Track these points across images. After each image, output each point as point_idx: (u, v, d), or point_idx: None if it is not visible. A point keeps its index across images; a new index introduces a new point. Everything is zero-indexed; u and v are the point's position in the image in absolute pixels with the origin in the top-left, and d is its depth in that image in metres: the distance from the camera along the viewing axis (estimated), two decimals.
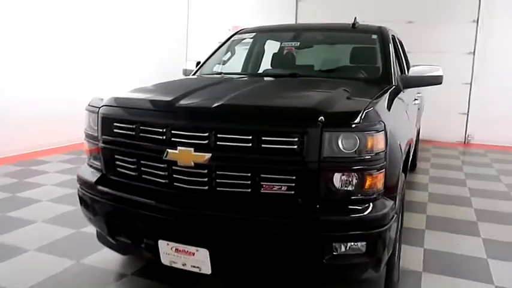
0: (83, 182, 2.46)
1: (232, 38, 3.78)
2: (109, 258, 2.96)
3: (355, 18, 3.55)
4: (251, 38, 3.80)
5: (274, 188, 1.96)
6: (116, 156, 2.31)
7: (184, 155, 2.02)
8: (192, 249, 2.05)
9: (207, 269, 2.06)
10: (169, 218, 2.08)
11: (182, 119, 2.08)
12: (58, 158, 5.91)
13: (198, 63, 3.78)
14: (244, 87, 2.61)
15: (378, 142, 1.93)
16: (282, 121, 1.95)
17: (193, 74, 3.51)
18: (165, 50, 8.78)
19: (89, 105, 2.51)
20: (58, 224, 3.54)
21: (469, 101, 8.27)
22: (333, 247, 1.92)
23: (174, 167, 2.08)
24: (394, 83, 2.92)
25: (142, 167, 2.21)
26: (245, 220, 1.96)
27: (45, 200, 4.13)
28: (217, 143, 1.98)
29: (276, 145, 1.92)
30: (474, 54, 8.09)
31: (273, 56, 3.65)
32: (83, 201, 2.50)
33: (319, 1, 8.82)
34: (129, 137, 2.23)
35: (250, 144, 1.94)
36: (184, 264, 2.10)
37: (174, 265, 2.13)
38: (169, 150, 2.05)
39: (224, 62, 3.66)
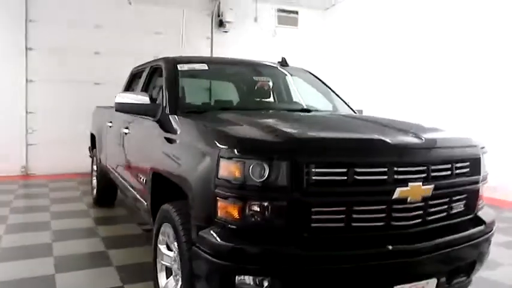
0: (265, 259, 1.86)
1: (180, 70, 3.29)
2: None
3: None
4: (202, 69, 3.44)
5: (460, 205, 2.30)
6: (314, 210, 1.90)
7: (415, 191, 2.02)
8: (422, 283, 2.05)
9: None
10: (403, 260, 1.99)
11: (409, 156, 2.05)
12: None
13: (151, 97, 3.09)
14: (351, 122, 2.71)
15: None
16: (463, 150, 2.32)
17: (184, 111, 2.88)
18: None
19: (265, 151, 1.92)
20: None
21: None
22: None
23: (395, 206, 2.01)
24: None
25: (354, 214, 1.96)
26: (462, 237, 2.20)
27: None
28: (432, 174, 2.11)
29: (463, 169, 2.28)
30: None
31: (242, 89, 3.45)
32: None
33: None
34: (339, 183, 1.92)
35: (450, 172, 2.20)
36: None
37: None
38: (400, 189, 1.99)
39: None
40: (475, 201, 2.38)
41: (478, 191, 2.38)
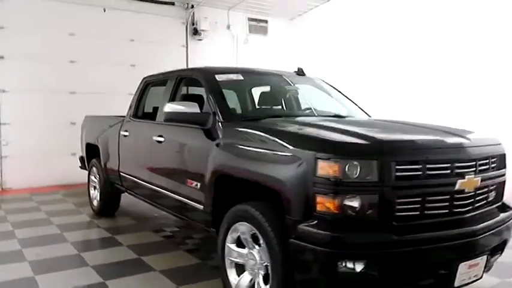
0: (365, 245, 2.16)
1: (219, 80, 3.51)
2: None
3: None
4: (238, 79, 3.67)
5: (493, 193, 2.73)
6: (398, 201, 2.22)
7: (470, 182, 2.41)
8: (477, 260, 2.44)
9: (480, 272, 2.50)
10: (467, 240, 2.37)
11: (464, 154, 2.43)
12: None
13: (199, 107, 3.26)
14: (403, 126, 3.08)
15: None
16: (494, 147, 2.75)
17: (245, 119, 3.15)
18: None
19: (358, 152, 2.23)
20: None
21: None
22: None
23: (455, 195, 2.39)
24: None
25: (426, 204, 2.30)
26: (500, 220, 2.62)
27: None
28: (479, 168, 2.51)
29: (495, 164, 2.71)
30: None
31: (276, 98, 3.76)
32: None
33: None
34: (416, 177, 2.26)
35: (488, 166, 2.62)
36: (469, 278, 2.43)
37: (463, 282, 2.40)
38: (460, 181, 2.36)
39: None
40: (502, 190, 2.83)
41: (504, 182, 2.83)
